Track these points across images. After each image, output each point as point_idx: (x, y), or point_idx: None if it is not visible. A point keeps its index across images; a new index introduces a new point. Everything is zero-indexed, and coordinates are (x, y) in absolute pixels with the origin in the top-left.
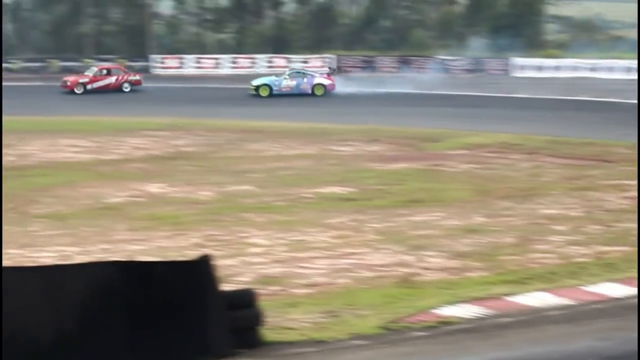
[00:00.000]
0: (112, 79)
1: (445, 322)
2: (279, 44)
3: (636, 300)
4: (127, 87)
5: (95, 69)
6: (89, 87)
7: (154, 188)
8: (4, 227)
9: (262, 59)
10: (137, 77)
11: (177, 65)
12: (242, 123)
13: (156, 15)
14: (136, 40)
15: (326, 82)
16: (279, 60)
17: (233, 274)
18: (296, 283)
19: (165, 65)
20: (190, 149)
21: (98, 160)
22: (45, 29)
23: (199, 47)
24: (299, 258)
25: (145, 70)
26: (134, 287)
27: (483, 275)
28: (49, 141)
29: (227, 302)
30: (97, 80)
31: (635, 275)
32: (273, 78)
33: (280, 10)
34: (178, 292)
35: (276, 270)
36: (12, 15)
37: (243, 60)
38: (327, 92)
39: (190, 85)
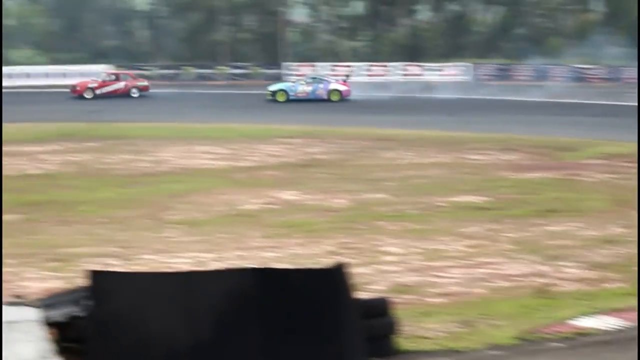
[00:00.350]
0: (120, 84)
1: (583, 333)
2: (413, 52)
3: None
4: (135, 93)
5: (104, 74)
6: (98, 92)
7: (288, 195)
8: (140, 233)
9: (396, 67)
10: (145, 83)
11: (311, 73)
12: (376, 131)
13: (290, 23)
14: (270, 48)
15: (342, 87)
16: (413, 69)
17: (367, 282)
18: (430, 292)
19: (299, 72)
20: (324, 157)
21: (232, 167)
22: (180, 37)
23: (333, 55)
24: (433, 267)
25: (278, 78)
26: (269, 294)
27: (621, 286)
28: (183, 148)
29: (362, 310)
30: (105, 85)
31: None
32: (289, 84)
33: (415, 18)
34: (313, 299)
35: (410, 278)
36: (148, 23)
37: (377, 68)
38: (343, 98)
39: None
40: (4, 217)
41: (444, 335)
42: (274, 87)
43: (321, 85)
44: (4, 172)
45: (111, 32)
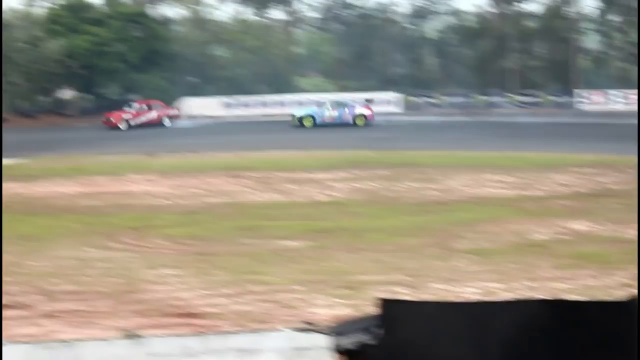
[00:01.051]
0: (153, 114)
1: None
2: None
3: None
4: (167, 122)
5: (137, 105)
6: (132, 122)
7: (579, 225)
8: (429, 261)
9: None
10: (176, 112)
11: (602, 100)
12: None
13: (582, 50)
14: (560, 76)
15: (367, 112)
16: None
17: None
18: None
19: (591, 100)
20: (617, 187)
21: (522, 196)
22: (468, 64)
23: (626, 82)
24: None
25: (569, 106)
26: (560, 326)
27: None
28: (472, 176)
29: None
30: (139, 116)
31: None
32: (315, 109)
33: None
34: (607, 332)
35: None
36: (437, 51)
37: None
38: (367, 122)
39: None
40: (292, 243)
41: None
42: (300, 113)
43: (347, 110)
44: (295, 199)
45: (400, 60)
